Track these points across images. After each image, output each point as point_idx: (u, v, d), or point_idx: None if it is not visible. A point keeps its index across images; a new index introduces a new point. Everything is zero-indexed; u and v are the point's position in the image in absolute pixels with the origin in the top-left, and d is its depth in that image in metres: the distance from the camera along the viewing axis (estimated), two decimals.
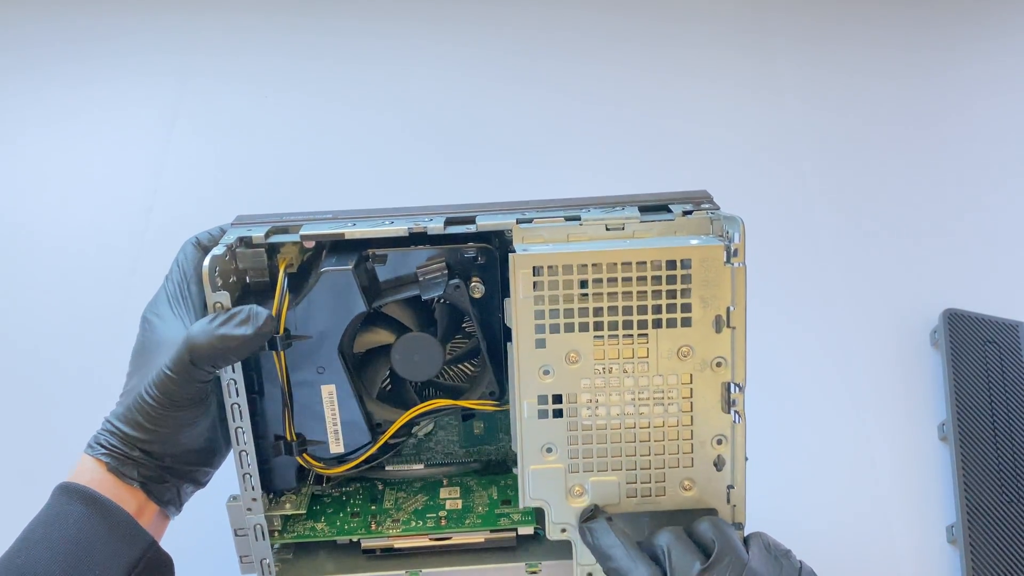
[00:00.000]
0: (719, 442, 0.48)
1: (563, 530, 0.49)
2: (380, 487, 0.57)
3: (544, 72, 0.87)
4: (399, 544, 0.53)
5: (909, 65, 0.86)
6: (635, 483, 0.48)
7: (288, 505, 0.53)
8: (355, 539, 0.54)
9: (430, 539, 0.53)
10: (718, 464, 0.48)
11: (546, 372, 0.46)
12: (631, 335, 0.46)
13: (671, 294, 0.45)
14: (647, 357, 0.46)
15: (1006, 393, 0.67)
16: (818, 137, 0.84)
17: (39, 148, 0.84)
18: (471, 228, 0.48)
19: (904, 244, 0.78)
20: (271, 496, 0.53)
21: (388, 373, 0.55)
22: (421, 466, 0.57)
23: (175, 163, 0.84)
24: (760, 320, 0.72)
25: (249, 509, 0.50)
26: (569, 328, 0.46)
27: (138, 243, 0.79)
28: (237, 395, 0.48)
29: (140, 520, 0.46)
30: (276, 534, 0.53)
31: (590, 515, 0.48)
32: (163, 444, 0.47)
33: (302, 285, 0.50)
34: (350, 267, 0.48)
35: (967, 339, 0.69)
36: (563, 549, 0.50)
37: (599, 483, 0.48)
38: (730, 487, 0.48)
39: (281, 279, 0.49)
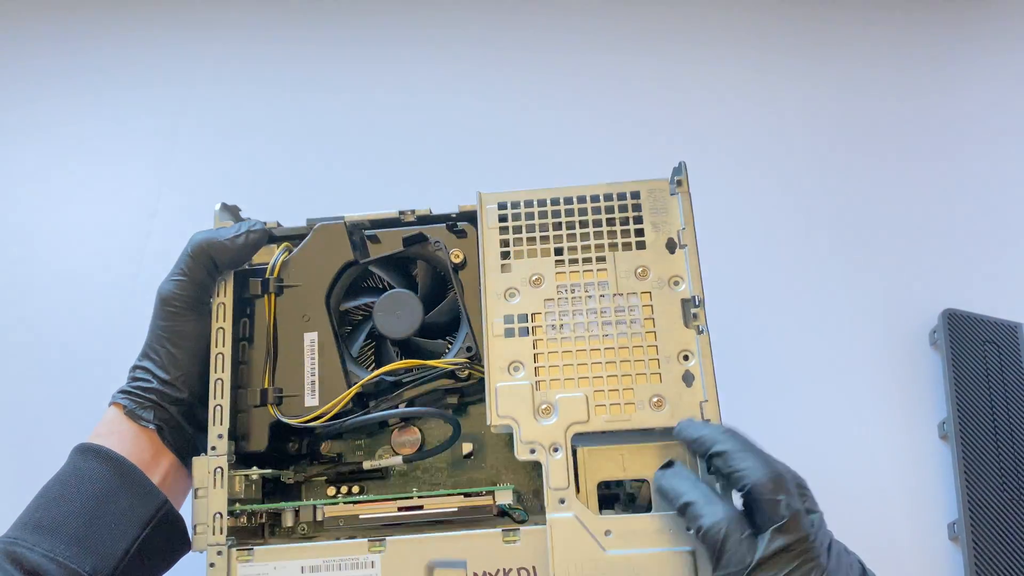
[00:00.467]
0: (685, 358, 0.48)
1: (532, 451, 0.47)
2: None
3: (543, 76, 0.88)
4: (365, 514, 0.48)
5: (909, 66, 0.87)
6: (604, 402, 0.48)
7: (255, 467, 0.50)
8: (317, 507, 0.49)
9: (399, 508, 0.48)
10: (687, 380, 0.48)
11: (512, 295, 0.50)
12: (590, 257, 0.50)
13: (624, 221, 0.51)
14: (607, 279, 0.50)
15: (1006, 392, 0.66)
16: (817, 138, 0.84)
17: (46, 156, 0.85)
18: (453, 210, 0.55)
19: (903, 244, 0.77)
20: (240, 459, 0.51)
21: (372, 350, 0.56)
22: (399, 459, 0.52)
23: (178, 170, 0.84)
24: (761, 320, 0.74)
25: (214, 448, 0.48)
26: (532, 254, 0.51)
27: (142, 247, 0.80)
28: (224, 319, 0.50)
29: (156, 468, 0.48)
30: (237, 504, 0.49)
31: (665, 465, 0.46)
32: (176, 367, 0.50)
33: None
34: (343, 220, 0.54)
35: (966, 339, 0.68)
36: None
37: (567, 400, 0.48)
38: (703, 402, 0.48)
39: (281, 247, 0.54)
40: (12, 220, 0.82)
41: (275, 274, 0.53)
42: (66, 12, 0.92)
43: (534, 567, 0.46)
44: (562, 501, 0.46)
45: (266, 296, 0.53)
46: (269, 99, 0.88)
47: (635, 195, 0.51)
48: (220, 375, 0.50)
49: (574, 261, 0.50)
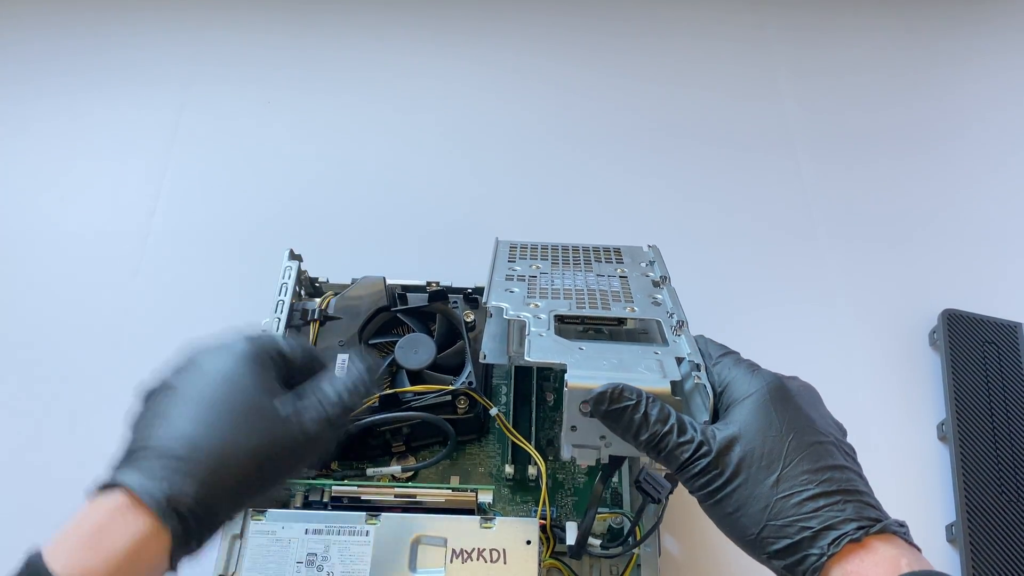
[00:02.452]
0: (654, 298, 0.58)
1: (518, 316, 0.54)
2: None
3: (553, 78, 0.92)
4: (366, 495, 0.57)
5: (909, 67, 0.86)
6: (584, 304, 0.56)
7: None
8: (326, 489, 0.58)
9: (395, 495, 0.57)
10: (655, 303, 0.57)
11: (512, 266, 0.62)
12: (579, 262, 0.63)
13: (608, 257, 0.64)
14: (592, 271, 0.62)
15: (1005, 393, 0.65)
16: (817, 138, 0.85)
17: (46, 153, 0.86)
18: (470, 285, 0.68)
19: (903, 245, 0.77)
20: None
21: (389, 375, 0.66)
22: (398, 468, 0.63)
23: (177, 168, 0.85)
24: (761, 320, 0.76)
25: None
26: (534, 257, 0.64)
27: (140, 246, 0.80)
28: (277, 328, 0.64)
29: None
30: None
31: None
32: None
33: None
34: (382, 277, 0.69)
35: (966, 339, 0.68)
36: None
37: (552, 301, 0.57)
38: (670, 313, 0.56)
39: (328, 295, 0.69)
40: (10, 219, 0.82)
41: (323, 307, 0.68)
42: (65, 13, 0.96)
43: (504, 550, 0.54)
44: (541, 335, 0.52)
45: (312, 322, 0.67)
46: (270, 99, 0.91)
47: (617, 251, 0.66)
48: None
49: (567, 262, 0.63)
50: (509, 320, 0.54)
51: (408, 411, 0.62)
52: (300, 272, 0.71)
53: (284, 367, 0.43)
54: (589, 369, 0.46)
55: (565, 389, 0.45)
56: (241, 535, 0.54)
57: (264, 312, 0.66)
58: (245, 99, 0.92)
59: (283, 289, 0.68)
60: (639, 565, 0.57)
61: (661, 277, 0.60)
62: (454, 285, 0.69)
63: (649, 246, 0.66)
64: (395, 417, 0.62)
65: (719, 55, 0.93)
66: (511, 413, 0.65)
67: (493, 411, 0.62)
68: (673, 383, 0.45)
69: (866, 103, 0.87)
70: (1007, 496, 0.62)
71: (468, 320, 0.68)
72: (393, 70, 0.95)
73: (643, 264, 0.63)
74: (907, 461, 0.67)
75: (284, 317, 0.66)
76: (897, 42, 0.90)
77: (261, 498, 0.38)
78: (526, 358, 0.48)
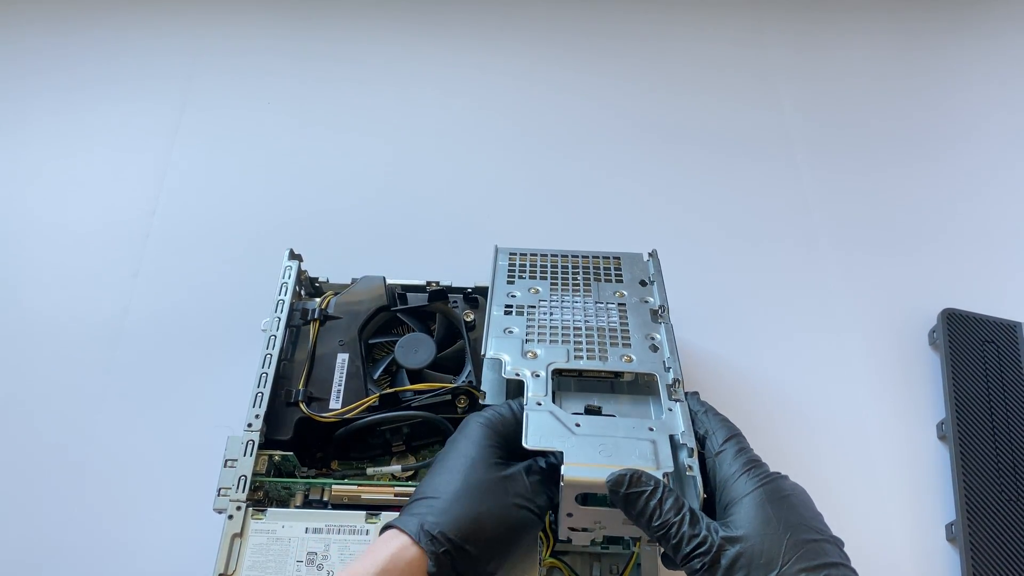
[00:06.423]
0: (652, 339, 0.59)
1: (516, 374, 0.56)
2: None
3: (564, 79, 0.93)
4: (366, 495, 0.57)
5: (908, 67, 0.87)
6: (582, 352, 0.57)
7: (277, 456, 0.60)
8: (326, 488, 0.58)
9: (395, 494, 0.57)
10: (652, 348, 0.58)
11: (511, 296, 0.63)
12: (578, 284, 0.64)
13: (607, 272, 0.65)
14: (591, 295, 0.63)
15: (1004, 392, 0.65)
16: (817, 140, 0.85)
17: (47, 151, 0.86)
18: (470, 285, 0.69)
19: (903, 245, 0.77)
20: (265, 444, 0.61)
21: (388, 380, 0.67)
22: (398, 467, 0.63)
23: (178, 168, 0.85)
24: (761, 320, 0.77)
25: (249, 425, 0.60)
26: (532, 276, 0.65)
27: (140, 246, 0.80)
28: (277, 328, 0.64)
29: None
30: (256, 478, 0.57)
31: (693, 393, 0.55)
32: None
33: None
34: (383, 276, 0.70)
35: (965, 339, 0.68)
36: None
37: (550, 349, 0.58)
38: (666, 359, 0.56)
39: (328, 295, 0.69)
40: (10, 218, 0.82)
41: (323, 306, 0.68)
42: (66, 12, 0.96)
43: None
44: (539, 404, 0.53)
45: (313, 322, 0.67)
46: (271, 99, 0.92)
47: (616, 259, 0.66)
48: (266, 370, 0.62)
49: (565, 285, 0.64)
50: (507, 379, 0.56)
51: (408, 410, 0.62)
52: (300, 272, 0.71)
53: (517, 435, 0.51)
54: (584, 458, 0.48)
55: (562, 483, 0.47)
56: (241, 534, 0.54)
57: (264, 312, 0.66)
58: (246, 99, 0.92)
59: (283, 289, 0.68)
60: (639, 564, 0.57)
61: (660, 307, 0.61)
62: (454, 285, 0.70)
63: (649, 254, 0.67)
64: (395, 416, 0.62)
65: (719, 60, 0.93)
66: None
67: None
68: (666, 474, 0.47)
69: (865, 105, 0.88)
70: (1007, 495, 0.62)
71: (468, 320, 0.68)
72: (394, 71, 0.95)
73: (642, 283, 0.64)
74: (907, 461, 0.67)
75: (284, 317, 0.66)
76: (895, 45, 0.91)
77: (495, 547, 0.47)
78: (524, 445, 0.49)
